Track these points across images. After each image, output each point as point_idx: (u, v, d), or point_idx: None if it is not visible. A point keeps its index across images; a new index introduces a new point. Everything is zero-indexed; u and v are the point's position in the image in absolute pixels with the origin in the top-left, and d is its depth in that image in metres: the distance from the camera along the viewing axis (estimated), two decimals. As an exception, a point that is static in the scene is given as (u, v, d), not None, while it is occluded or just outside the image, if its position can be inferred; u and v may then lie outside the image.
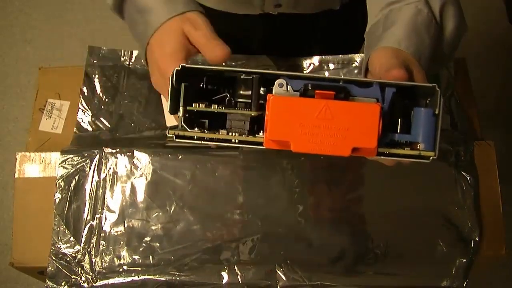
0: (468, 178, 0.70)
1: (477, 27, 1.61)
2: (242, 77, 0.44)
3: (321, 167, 0.71)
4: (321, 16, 0.79)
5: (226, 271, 0.68)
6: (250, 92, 0.43)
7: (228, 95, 0.45)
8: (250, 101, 0.43)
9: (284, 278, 0.67)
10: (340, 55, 0.79)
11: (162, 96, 0.76)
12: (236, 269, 0.67)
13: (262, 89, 0.43)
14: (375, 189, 0.70)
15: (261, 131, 0.42)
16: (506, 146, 1.41)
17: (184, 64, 0.42)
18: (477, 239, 0.69)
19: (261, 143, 0.41)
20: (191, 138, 0.42)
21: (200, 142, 0.42)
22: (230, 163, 0.70)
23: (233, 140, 0.42)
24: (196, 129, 0.42)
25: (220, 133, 0.42)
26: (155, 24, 0.53)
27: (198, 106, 0.43)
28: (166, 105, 0.76)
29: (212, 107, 0.43)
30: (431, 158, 0.41)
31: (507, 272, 1.32)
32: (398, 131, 0.43)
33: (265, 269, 0.67)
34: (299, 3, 0.75)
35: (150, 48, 0.53)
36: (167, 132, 0.43)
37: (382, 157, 0.41)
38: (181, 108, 0.42)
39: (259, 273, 0.67)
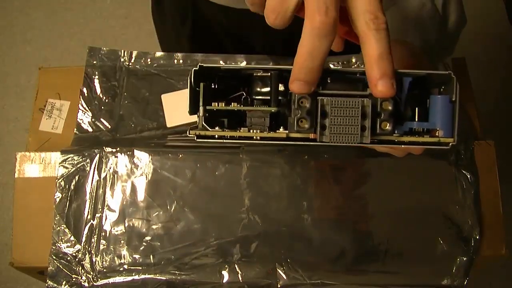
0: (469, 176, 0.70)
1: (477, 27, 1.61)
2: (258, 74, 0.44)
3: (323, 166, 0.71)
4: None
5: (227, 270, 0.68)
6: (267, 89, 0.43)
7: (244, 94, 0.45)
8: (268, 97, 0.43)
9: (285, 277, 0.67)
10: (340, 55, 0.79)
11: (162, 96, 0.76)
12: (237, 268, 0.68)
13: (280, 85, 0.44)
14: (375, 188, 0.70)
15: (281, 127, 0.42)
16: (506, 146, 1.41)
17: (202, 64, 0.43)
18: (477, 237, 0.69)
19: (282, 139, 0.42)
20: (213, 137, 0.42)
21: (221, 141, 0.42)
22: (230, 162, 0.70)
23: (254, 137, 0.42)
24: (216, 128, 0.43)
25: (241, 130, 0.42)
26: None
27: (218, 105, 0.43)
28: (166, 106, 0.76)
29: (232, 105, 0.43)
30: (450, 144, 0.41)
31: (507, 272, 1.32)
32: (416, 119, 0.43)
33: (265, 268, 0.67)
34: None
35: None
36: (187, 132, 0.43)
37: (397, 146, 0.42)
38: (201, 108, 0.43)
39: (260, 272, 0.67)
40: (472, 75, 0.79)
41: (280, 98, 0.43)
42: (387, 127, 0.41)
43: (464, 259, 0.68)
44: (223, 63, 0.76)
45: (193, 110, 0.43)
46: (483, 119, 0.77)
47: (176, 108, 0.76)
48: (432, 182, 0.71)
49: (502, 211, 0.71)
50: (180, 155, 0.70)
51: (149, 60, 0.79)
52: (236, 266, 0.68)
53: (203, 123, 0.42)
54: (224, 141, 0.42)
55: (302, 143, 0.42)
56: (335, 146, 0.40)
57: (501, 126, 1.57)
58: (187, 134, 0.43)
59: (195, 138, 0.42)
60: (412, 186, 0.71)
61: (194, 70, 0.42)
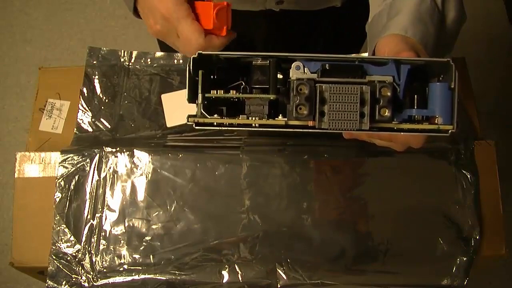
0: (469, 176, 0.70)
1: (477, 27, 1.61)
2: (257, 63, 0.44)
3: (323, 165, 0.71)
4: (323, 14, 0.79)
5: (227, 270, 0.68)
6: (265, 78, 0.44)
7: (243, 83, 0.45)
8: (266, 86, 0.43)
9: (285, 277, 0.67)
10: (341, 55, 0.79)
11: (162, 96, 0.76)
12: (237, 268, 0.67)
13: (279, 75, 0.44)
14: (375, 188, 0.70)
15: (280, 115, 0.42)
16: (506, 146, 1.41)
17: (201, 52, 0.42)
18: (477, 237, 0.69)
19: (281, 126, 0.42)
20: (211, 124, 0.43)
21: (219, 128, 0.43)
22: (230, 161, 0.70)
23: (253, 124, 0.42)
24: (215, 116, 0.43)
25: (240, 118, 0.42)
26: None
27: (217, 93, 0.43)
28: (166, 106, 0.76)
29: (231, 92, 0.43)
30: (449, 131, 0.41)
31: (507, 272, 1.32)
32: (415, 107, 0.43)
33: (265, 268, 0.67)
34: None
35: None
36: (186, 119, 0.43)
37: (399, 133, 0.42)
38: (199, 95, 0.43)
39: (260, 272, 0.67)
40: (472, 75, 0.79)
41: (279, 87, 0.43)
42: (386, 114, 0.41)
43: (464, 259, 0.68)
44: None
45: (192, 98, 0.43)
46: (483, 119, 0.77)
47: (176, 108, 0.76)
48: (432, 182, 0.71)
49: (502, 211, 0.71)
50: (180, 155, 0.70)
51: (149, 60, 0.79)
52: (236, 266, 0.68)
53: (202, 110, 0.42)
54: (223, 128, 0.42)
55: (301, 130, 0.42)
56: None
57: (501, 126, 1.57)
58: (186, 121, 0.42)
59: (194, 125, 0.42)
60: (412, 186, 0.71)
61: (193, 57, 0.42)
